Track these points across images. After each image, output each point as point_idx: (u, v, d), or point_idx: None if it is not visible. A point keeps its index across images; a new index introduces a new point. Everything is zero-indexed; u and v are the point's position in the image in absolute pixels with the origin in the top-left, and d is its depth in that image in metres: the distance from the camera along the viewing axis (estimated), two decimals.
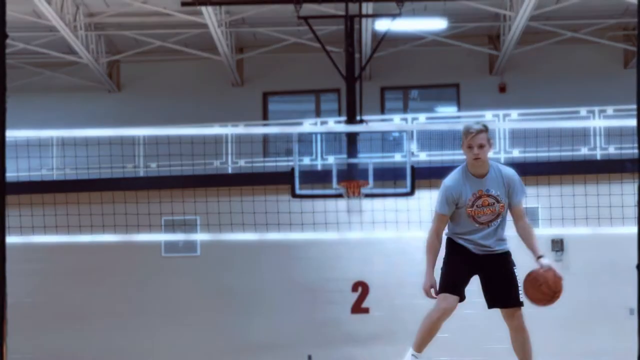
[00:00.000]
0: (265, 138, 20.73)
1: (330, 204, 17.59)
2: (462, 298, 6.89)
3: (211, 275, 20.04)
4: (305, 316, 19.81)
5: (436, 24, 21.34)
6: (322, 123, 21.38)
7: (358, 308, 19.70)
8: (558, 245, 19.34)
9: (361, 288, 19.78)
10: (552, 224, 15.48)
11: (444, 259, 6.87)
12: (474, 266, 6.81)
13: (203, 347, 19.91)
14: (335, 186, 16.64)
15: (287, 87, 23.88)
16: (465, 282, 6.85)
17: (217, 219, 15.83)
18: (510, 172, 6.78)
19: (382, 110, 23.48)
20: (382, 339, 19.34)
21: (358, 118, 17.51)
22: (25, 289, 19.52)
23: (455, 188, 6.65)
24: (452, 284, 6.75)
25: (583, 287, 19.29)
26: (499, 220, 6.71)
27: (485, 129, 6.63)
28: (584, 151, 19.67)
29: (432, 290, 6.80)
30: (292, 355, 19.60)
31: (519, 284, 7.01)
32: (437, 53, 23.30)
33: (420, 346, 7.14)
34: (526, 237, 6.98)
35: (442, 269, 6.83)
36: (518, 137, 19.53)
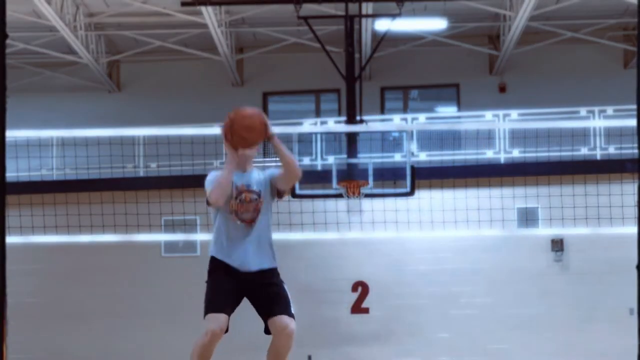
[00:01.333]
0: None
1: (330, 204, 17.59)
2: (229, 318, 6.41)
3: None
4: (305, 316, 19.79)
5: (436, 24, 21.34)
6: (322, 123, 21.37)
7: (358, 308, 19.69)
8: (558, 245, 19.34)
9: (361, 288, 19.78)
10: (552, 224, 15.49)
11: (208, 279, 6.48)
12: (239, 287, 6.39)
13: None
14: (335, 186, 16.63)
15: (287, 87, 23.87)
16: (232, 299, 6.39)
17: None
18: (268, 170, 6.57)
19: (382, 110, 23.48)
20: (382, 339, 19.34)
21: (358, 118, 17.50)
22: (25, 289, 19.52)
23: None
24: (215, 300, 6.34)
25: (583, 287, 19.31)
26: (260, 217, 6.33)
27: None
28: (584, 151, 19.68)
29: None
30: (292, 355, 19.59)
31: (290, 298, 6.48)
32: (437, 53, 23.30)
33: None
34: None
35: (206, 288, 6.45)
36: (518, 137, 19.54)
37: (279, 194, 6.47)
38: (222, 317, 6.30)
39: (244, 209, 6.34)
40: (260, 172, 6.52)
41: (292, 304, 6.47)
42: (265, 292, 6.43)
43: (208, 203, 6.38)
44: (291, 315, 6.40)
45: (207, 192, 6.30)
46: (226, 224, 6.40)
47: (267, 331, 6.48)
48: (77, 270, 20.20)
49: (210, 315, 6.30)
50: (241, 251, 6.37)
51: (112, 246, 17.40)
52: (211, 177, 6.33)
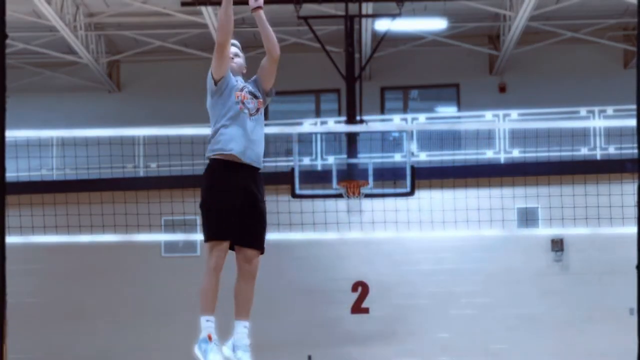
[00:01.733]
0: (265, 138, 20.70)
1: (330, 204, 17.59)
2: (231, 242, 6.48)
3: None
4: (305, 316, 19.81)
5: (436, 24, 21.34)
6: (322, 123, 21.38)
7: (358, 308, 19.69)
8: (558, 245, 19.33)
9: (361, 288, 19.78)
10: (552, 224, 15.48)
11: (206, 190, 6.56)
12: (239, 196, 6.42)
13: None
14: (335, 186, 16.64)
15: (287, 87, 23.83)
16: (233, 220, 6.41)
17: None
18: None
19: (382, 110, 23.47)
20: (382, 339, 19.34)
21: (358, 118, 17.51)
22: (25, 289, 19.51)
23: (228, 75, 6.64)
24: (218, 225, 6.40)
25: (583, 287, 19.31)
26: (259, 115, 6.60)
27: (237, 46, 6.88)
28: (583, 151, 19.68)
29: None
30: (292, 355, 19.60)
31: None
32: (437, 53, 23.30)
33: (205, 309, 6.81)
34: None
35: (204, 203, 6.53)
36: (518, 137, 19.54)
37: (266, 94, 6.70)
38: (224, 245, 6.44)
39: (249, 99, 6.56)
40: (249, 81, 6.76)
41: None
42: (251, 211, 6.49)
43: (215, 82, 6.57)
44: (263, 249, 6.62)
45: (216, 47, 6.50)
46: (232, 117, 6.53)
47: (232, 248, 6.57)
48: (77, 270, 20.20)
49: (214, 244, 6.43)
50: (245, 139, 6.51)
51: (112, 246, 17.39)
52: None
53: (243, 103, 6.55)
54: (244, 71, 6.83)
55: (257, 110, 6.61)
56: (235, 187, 6.44)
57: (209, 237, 6.46)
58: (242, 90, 6.60)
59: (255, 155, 6.56)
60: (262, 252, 6.63)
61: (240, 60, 6.84)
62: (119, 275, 20.22)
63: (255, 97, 6.61)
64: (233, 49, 6.80)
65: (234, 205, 6.41)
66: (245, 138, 6.52)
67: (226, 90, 6.57)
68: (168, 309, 20.09)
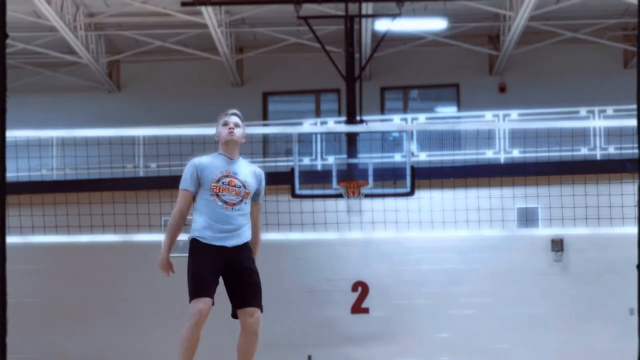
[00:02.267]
0: (265, 138, 20.72)
1: (330, 204, 17.58)
2: (213, 301, 6.67)
3: None
4: (305, 316, 19.80)
5: (436, 24, 21.33)
6: (322, 123, 21.37)
7: (358, 308, 19.68)
8: (558, 245, 19.33)
9: (361, 288, 19.77)
10: (552, 224, 15.48)
11: (189, 261, 6.75)
12: (219, 266, 6.61)
13: (203, 347, 19.87)
14: (335, 186, 16.63)
15: (287, 87, 23.87)
16: (214, 282, 6.64)
17: None
18: (260, 171, 6.88)
19: (382, 110, 23.47)
20: (382, 339, 19.34)
21: (358, 118, 17.50)
22: (25, 289, 19.50)
23: (201, 164, 6.67)
24: (201, 285, 6.59)
25: (583, 288, 19.30)
26: (242, 206, 6.59)
27: (240, 116, 6.79)
28: (583, 151, 19.67)
29: (166, 269, 6.85)
30: (292, 355, 19.59)
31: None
32: (437, 53, 23.30)
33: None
34: (253, 225, 6.75)
35: (188, 272, 6.72)
36: (518, 137, 19.53)
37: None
38: (208, 300, 6.55)
39: (227, 191, 6.55)
40: (249, 168, 6.75)
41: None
42: (243, 279, 6.63)
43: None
44: (261, 307, 6.73)
45: (179, 193, 6.78)
46: (207, 206, 6.61)
47: (234, 316, 6.80)
48: (77, 270, 20.20)
49: (198, 299, 6.54)
50: (220, 229, 6.58)
51: (112, 246, 17.39)
52: (186, 173, 6.73)
53: (217, 195, 6.56)
54: (243, 140, 6.76)
55: (242, 200, 6.58)
56: (215, 267, 6.59)
57: (191, 295, 6.62)
58: (220, 180, 6.56)
59: (235, 241, 6.61)
60: (261, 310, 6.78)
61: (239, 132, 6.73)
62: (119, 275, 20.22)
63: (244, 186, 6.59)
64: (233, 119, 6.73)
65: (216, 272, 6.61)
66: (221, 228, 6.59)
67: (202, 183, 6.65)
68: (168, 309, 20.08)
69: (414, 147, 19.74)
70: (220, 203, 6.55)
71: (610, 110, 19.78)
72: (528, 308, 19.05)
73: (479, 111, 21.16)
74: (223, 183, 6.55)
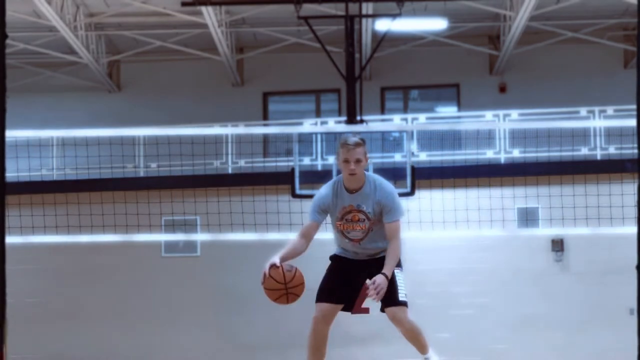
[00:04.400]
0: (266, 138, 20.72)
1: None
2: (342, 303, 6.89)
3: (211, 276, 20.03)
4: (306, 316, 19.73)
5: (436, 24, 21.33)
6: (322, 123, 21.37)
7: (358, 308, 19.65)
8: (558, 245, 19.33)
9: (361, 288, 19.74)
10: (552, 224, 15.47)
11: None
12: (351, 272, 6.73)
13: (203, 348, 19.90)
14: None
15: (287, 87, 23.87)
16: (341, 286, 6.76)
17: (217, 219, 15.81)
18: (387, 190, 6.64)
19: (382, 110, 23.47)
20: (382, 339, 19.33)
21: (358, 118, 17.48)
22: (25, 289, 19.51)
23: (323, 203, 6.58)
24: (323, 291, 6.79)
25: (583, 288, 19.29)
26: (369, 236, 6.57)
27: (362, 143, 6.57)
28: (584, 151, 19.67)
29: (268, 267, 6.56)
30: (292, 355, 19.58)
31: (400, 285, 6.92)
32: (437, 53, 23.30)
33: None
34: (389, 247, 6.63)
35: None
36: (518, 137, 19.53)
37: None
38: (324, 305, 6.80)
39: (351, 228, 6.54)
40: (372, 192, 6.54)
41: (401, 289, 6.89)
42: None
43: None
44: (399, 303, 6.91)
45: (309, 222, 6.63)
46: (338, 237, 6.70)
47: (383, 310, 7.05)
48: (77, 270, 20.19)
49: (316, 305, 6.83)
50: (353, 255, 6.69)
51: (112, 246, 17.38)
52: (312, 205, 6.60)
53: (343, 233, 6.56)
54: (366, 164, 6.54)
55: (367, 233, 6.54)
56: (347, 272, 6.73)
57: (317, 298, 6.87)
58: (344, 217, 6.50)
59: (369, 254, 6.70)
60: (399, 305, 6.98)
61: (362, 167, 6.53)
62: (119, 276, 20.22)
63: (368, 218, 6.51)
64: (355, 154, 6.47)
65: (346, 280, 6.74)
66: (354, 252, 6.71)
67: (330, 217, 6.66)
68: (168, 309, 20.09)
69: (414, 147, 19.73)
70: (347, 240, 6.59)
71: (610, 110, 19.78)
72: (528, 308, 19.04)
73: (479, 111, 21.16)
74: (346, 220, 6.52)
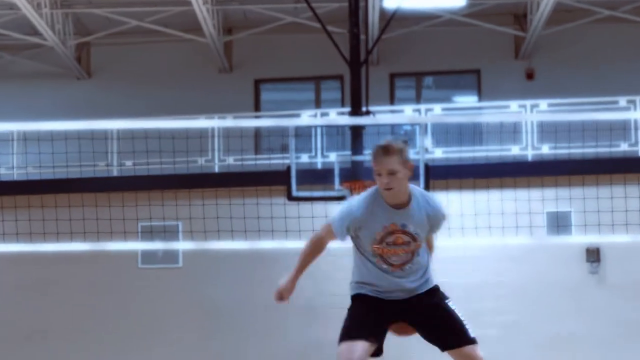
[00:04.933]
0: (258, 132, 20.73)
1: (332, 207, 17.58)
2: (377, 344, 6.12)
3: (195, 290, 20.04)
4: (303, 336, 19.82)
5: (454, 1, 21.36)
6: (323, 115, 21.39)
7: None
8: (593, 255, 19.34)
9: None
10: (587, 231, 15.49)
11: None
12: (390, 312, 6.10)
13: None
14: (338, 187, 16.62)
15: (282, 74, 23.89)
16: (376, 325, 6.09)
17: (202, 225, 15.81)
18: (438, 203, 6.07)
19: (392, 100, 23.51)
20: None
21: (364, 109, 17.49)
22: None
23: (358, 218, 5.86)
24: (355, 326, 6.08)
25: (622, 303, 19.31)
26: (414, 260, 5.93)
27: (397, 148, 5.87)
28: (623, 147, 19.68)
29: (283, 295, 6.23)
30: None
31: (463, 318, 6.28)
32: (455, 34, 23.32)
33: None
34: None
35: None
36: (548, 131, 19.54)
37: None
38: (355, 345, 6.06)
39: (393, 253, 5.89)
40: (421, 208, 5.96)
41: (465, 321, 6.23)
42: (430, 319, 6.19)
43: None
44: (472, 341, 6.11)
45: (326, 224, 5.96)
46: (366, 265, 5.97)
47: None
48: (42, 284, 20.20)
49: (342, 345, 6.14)
50: (386, 288, 6.00)
51: (82, 256, 17.40)
52: (342, 213, 5.90)
53: (382, 257, 5.90)
54: (410, 175, 5.88)
55: (412, 257, 5.90)
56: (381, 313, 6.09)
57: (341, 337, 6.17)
58: (384, 240, 5.81)
59: (410, 288, 6.05)
60: (472, 343, 6.12)
61: (398, 179, 5.79)
62: (89, 290, 20.23)
63: (414, 239, 5.86)
64: (387, 164, 5.79)
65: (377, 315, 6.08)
66: (385, 289, 6.01)
67: (360, 241, 5.93)
68: (145, 326, 20.10)
69: (428, 142, 19.75)
70: (385, 266, 5.89)
71: None
72: (560, 326, 19.06)
73: (503, 101, 21.17)
74: (387, 243, 5.83)
